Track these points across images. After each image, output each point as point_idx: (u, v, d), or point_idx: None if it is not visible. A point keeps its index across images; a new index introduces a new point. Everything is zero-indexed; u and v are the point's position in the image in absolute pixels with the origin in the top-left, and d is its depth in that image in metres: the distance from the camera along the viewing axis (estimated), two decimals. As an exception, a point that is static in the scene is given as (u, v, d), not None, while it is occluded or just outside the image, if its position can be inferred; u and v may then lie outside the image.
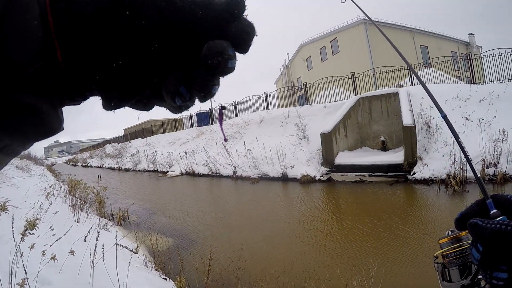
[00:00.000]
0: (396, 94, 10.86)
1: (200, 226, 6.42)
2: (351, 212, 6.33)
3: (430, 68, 14.74)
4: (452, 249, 0.60)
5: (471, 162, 0.60)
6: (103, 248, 3.17)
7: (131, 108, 0.31)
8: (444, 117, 0.65)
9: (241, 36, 0.28)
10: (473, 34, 29.37)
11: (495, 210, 0.46)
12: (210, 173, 13.94)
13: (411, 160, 8.63)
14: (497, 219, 0.43)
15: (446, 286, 0.61)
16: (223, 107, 0.35)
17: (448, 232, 0.63)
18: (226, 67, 0.27)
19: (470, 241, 0.46)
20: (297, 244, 4.95)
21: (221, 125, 0.37)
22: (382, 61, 18.07)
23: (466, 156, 0.60)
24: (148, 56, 0.27)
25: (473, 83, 11.89)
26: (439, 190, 7.08)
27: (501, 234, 0.39)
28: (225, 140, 0.44)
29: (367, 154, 10.76)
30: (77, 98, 0.28)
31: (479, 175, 0.58)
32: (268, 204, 7.93)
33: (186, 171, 15.41)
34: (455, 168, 7.16)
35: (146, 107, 0.31)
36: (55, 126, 0.26)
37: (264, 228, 5.94)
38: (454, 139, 0.62)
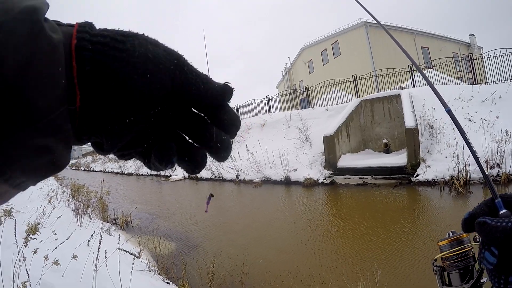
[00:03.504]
0: (398, 96, 10.85)
1: (203, 230, 6.40)
2: (355, 215, 6.30)
3: (432, 69, 14.70)
4: (452, 252, 0.58)
5: (478, 158, 0.57)
6: (105, 253, 3.16)
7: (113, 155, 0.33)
8: (449, 111, 0.62)
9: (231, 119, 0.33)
10: (474, 35, 29.30)
11: (504, 210, 0.43)
12: (213, 177, 13.92)
13: (414, 162, 8.59)
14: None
15: None
16: (212, 195, 0.45)
17: (449, 234, 0.60)
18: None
19: (479, 243, 0.43)
20: (302, 247, 4.92)
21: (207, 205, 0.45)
22: (383, 63, 18.07)
23: (473, 152, 0.56)
24: (152, 116, 0.29)
25: (475, 84, 11.86)
26: (442, 191, 7.04)
27: None
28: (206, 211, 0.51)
29: (370, 156, 10.72)
30: (84, 140, 0.30)
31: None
32: (272, 207, 7.91)
33: (189, 175, 15.38)
34: (458, 170, 7.12)
35: (127, 159, 0.33)
36: (64, 164, 0.27)
37: (268, 232, 5.91)
38: (461, 135, 0.59)
